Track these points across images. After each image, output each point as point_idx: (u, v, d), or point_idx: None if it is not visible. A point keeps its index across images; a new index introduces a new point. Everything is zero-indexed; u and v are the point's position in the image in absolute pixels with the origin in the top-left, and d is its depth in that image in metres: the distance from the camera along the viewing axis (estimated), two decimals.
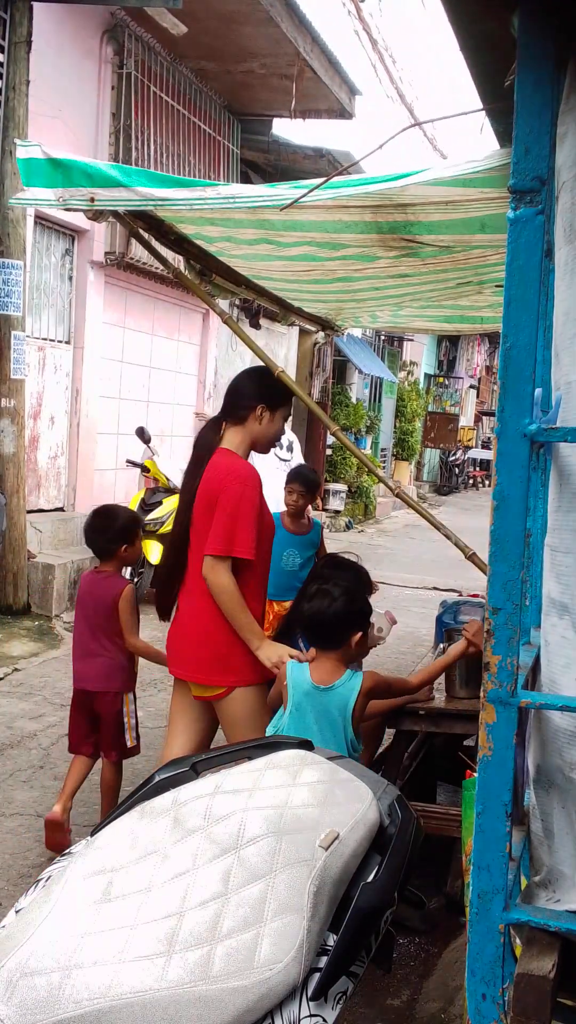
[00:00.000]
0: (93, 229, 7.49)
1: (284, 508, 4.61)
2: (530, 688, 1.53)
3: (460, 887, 2.73)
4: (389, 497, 15.69)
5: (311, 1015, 1.41)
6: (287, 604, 4.29)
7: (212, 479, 2.87)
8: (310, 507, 4.78)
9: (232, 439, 2.97)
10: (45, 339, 7.39)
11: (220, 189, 2.53)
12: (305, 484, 4.53)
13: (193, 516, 2.92)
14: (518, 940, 1.40)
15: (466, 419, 25.40)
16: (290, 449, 6.05)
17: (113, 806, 3.51)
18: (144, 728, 4.65)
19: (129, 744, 3.50)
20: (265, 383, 3.00)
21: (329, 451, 13.63)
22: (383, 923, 1.61)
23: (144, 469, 7.56)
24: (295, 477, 4.63)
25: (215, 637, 2.82)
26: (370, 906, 1.53)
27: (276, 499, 4.93)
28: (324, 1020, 1.42)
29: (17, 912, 1.62)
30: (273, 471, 5.69)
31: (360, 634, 2.65)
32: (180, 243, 3.28)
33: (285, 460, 5.83)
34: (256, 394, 2.95)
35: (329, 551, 5.19)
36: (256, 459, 4.85)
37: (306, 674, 2.61)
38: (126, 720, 3.50)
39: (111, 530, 3.53)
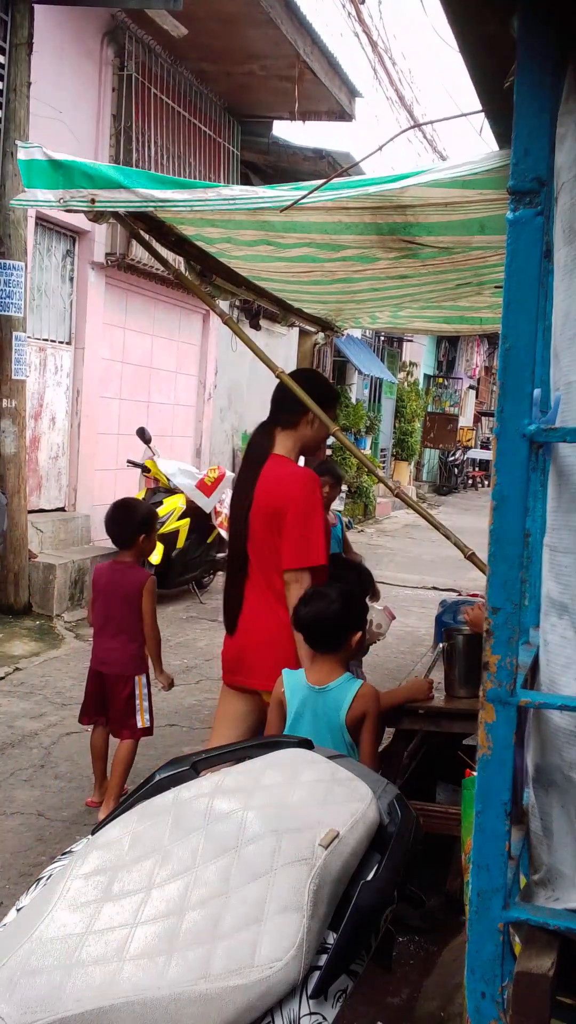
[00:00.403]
0: (94, 230, 7.50)
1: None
2: (529, 687, 1.53)
3: (460, 886, 2.74)
4: (389, 497, 15.70)
5: (311, 1013, 1.41)
6: None
7: (274, 489, 2.86)
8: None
9: (284, 444, 2.97)
10: (46, 340, 7.39)
11: (220, 190, 2.53)
12: (334, 476, 4.66)
13: (252, 525, 2.90)
14: (517, 939, 1.41)
15: (465, 419, 25.39)
16: None
17: (122, 783, 3.57)
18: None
19: (141, 725, 3.65)
20: (314, 386, 2.98)
21: (329, 451, 13.63)
22: (383, 921, 1.62)
23: (145, 469, 7.57)
24: (327, 470, 4.76)
25: (279, 642, 2.82)
26: (370, 905, 1.53)
27: None
28: (324, 1018, 1.42)
29: (18, 911, 1.62)
30: None
31: (359, 634, 2.67)
32: (180, 244, 3.29)
33: None
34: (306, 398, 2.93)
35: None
36: None
37: (302, 677, 2.63)
38: (138, 703, 3.65)
39: (132, 522, 3.68)
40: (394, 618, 3.98)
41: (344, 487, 13.76)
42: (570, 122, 1.38)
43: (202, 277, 3.70)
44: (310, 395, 2.94)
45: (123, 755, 3.62)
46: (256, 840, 1.55)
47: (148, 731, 3.67)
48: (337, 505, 13.52)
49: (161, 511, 7.17)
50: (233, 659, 3.00)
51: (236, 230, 3.00)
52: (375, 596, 3.97)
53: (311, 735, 2.49)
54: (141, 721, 3.64)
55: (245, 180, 9.82)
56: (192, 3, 6.75)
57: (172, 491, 7.40)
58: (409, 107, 10.02)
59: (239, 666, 2.97)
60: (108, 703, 3.68)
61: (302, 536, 2.79)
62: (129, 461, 7.85)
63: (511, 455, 1.30)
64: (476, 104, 1.93)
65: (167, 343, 9.33)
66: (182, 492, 7.39)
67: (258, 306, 8.82)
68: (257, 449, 2.99)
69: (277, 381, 3.09)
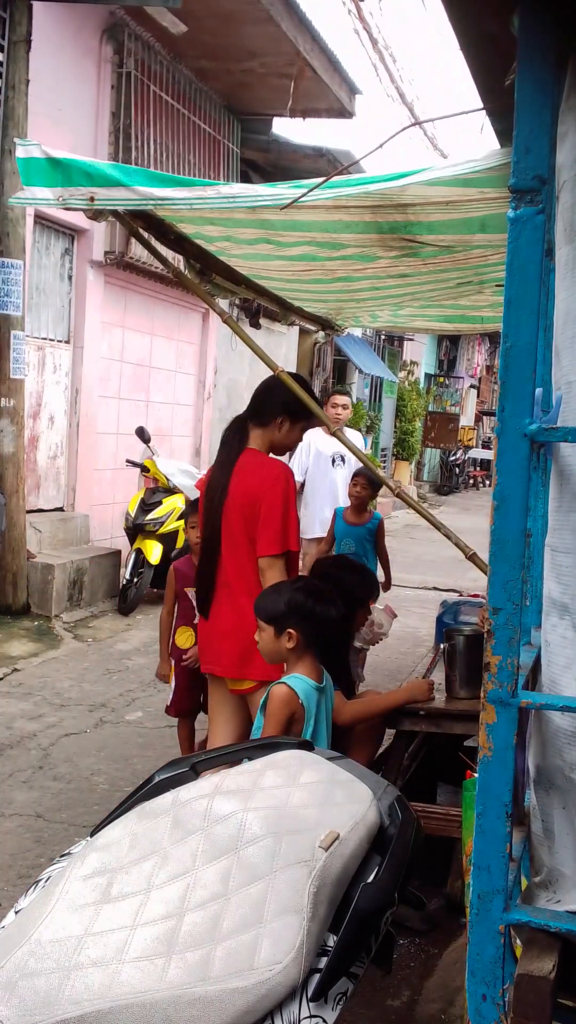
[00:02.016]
0: (93, 229, 7.49)
1: (347, 503, 5.30)
2: (530, 688, 1.53)
3: (460, 888, 2.73)
4: (389, 497, 15.68)
5: (311, 1016, 1.41)
6: None
7: (250, 480, 2.96)
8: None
9: (256, 440, 3.08)
10: (44, 339, 7.38)
11: (220, 188, 2.52)
12: (370, 479, 5.08)
13: (225, 514, 2.99)
14: (518, 941, 1.40)
15: (466, 419, 25.38)
16: (342, 459, 6.14)
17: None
18: (144, 728, 4.67)
19: None
20: (290, 395, 3.05)
21: None
22: (383, 924, 1.61)
23: (144, 469, 7.56)
24: (362, 471, 5.21)
25: (243, 631, 2.89)
26: (370, 907, 1.52)
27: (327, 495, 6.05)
28: (324, 1021, 1.42)
29: (17, 913, 1.62)
30: (327, 470, 6.20)
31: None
32: (180, 242, 3.28)
33: (340, 464, 6.09)
34: (280, 404, 3.05)
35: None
36: (312, 460, 5.97)
37: (307, 681, 2.60)
38: None
39: (191, 515, 3.78)
40: (395, 616, 3.98)
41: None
42: (571, 120, 1.37)
43: (201, 275, 3.69)
44: (284, 404, 3.05)
45: None
46: (256, 842, 1.54)
47: None
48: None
49: (160, 511, 7.17)
50: (203, 646, 3.11)
51: (236, 228, 3.00)
52: (375, 593, 3.98)
53: (324, 734, 2.61)
54: None
55: (245, 178, 9.80)
56: (191, 0, 6.74)
57: (171, 491, 7.40)
58: (410, 105, 10.02)
59: (209, 655, 3.07)
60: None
61: (280, 525, 2.90)
62: (128, 461, 7.84)
63: (512, 455, 1.30)
64: (477, 102, 1.92)
65: (166, 342, 9.32)
66: (181, 492, 7.38)
67: (258, 305, 8.81)
68: (231, 443, 3.08)
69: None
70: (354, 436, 6.38)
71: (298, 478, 6.02)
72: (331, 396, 6.32)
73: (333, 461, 6.18)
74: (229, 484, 2.99)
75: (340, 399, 6.24)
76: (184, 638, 3.80)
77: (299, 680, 2.58)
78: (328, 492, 6.12)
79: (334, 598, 2.69)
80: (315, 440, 6.13)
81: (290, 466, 5.33)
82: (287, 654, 2.64)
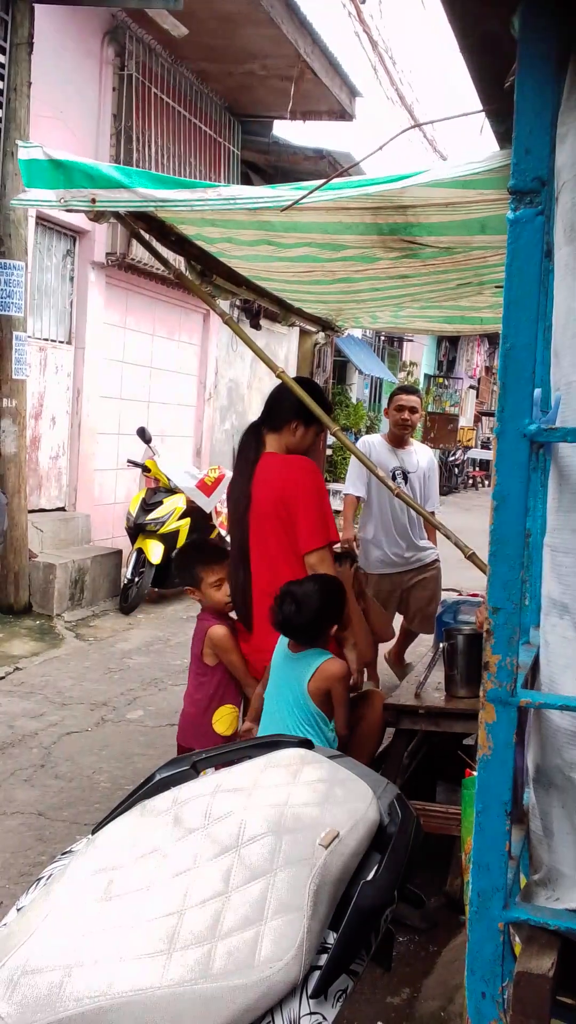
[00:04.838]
0: (94, 230, 7.50)
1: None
2: (530, 687, 1.53)
3: (460, 886, 2.74)
4: None
5: (311, 1013, 1.41)
6: None
7: (274, 480, 2.94)
8: None
9: (272, 445, 3.06)
10: (46, 339, 7.39)
11: (221, 190, 2.53)
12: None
13: (253, 523, 2.95)
14: (518, 939, 1.41)
15: (466, 419, 25.38)
16: (404, 477, 4.96)
17: None
18: (144, 727, 4.67)
19: None
20: (307, 395, 3.03)
21: (329, 451, 13.63)
22: (383, 921, 1.62)
23: (145, 469, 7.57)
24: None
25: None
26: (370, 905, 1.53)
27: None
28: (324, 1018, 1.42)
29: (18, 910, 1.62)
30: (383, 488, 5.16)
31: (335, 627, 2.86)
32: (181, 244, 3.28)
33: (400, 483, 4.90)
34: (292, 409, 3.04)
35: None
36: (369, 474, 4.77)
37: (285, 642, 2.82)
38: None
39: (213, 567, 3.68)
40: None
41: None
42: (571, 121, 1.37)
43: (202, 277, 3.69)
44: (296, 408, 3.03)
45: None
46: (256, 840, 1.55)
47: None
48: (337, 505, 13.52)
49: (161, 511, 7.18)
50: (251, 659, 3.07)
51: (236, 230, 3.00)
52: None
53: (280, 696, 2.75)
54: None
55: (245, 180, 9.81)
56: (193, 3, 6.74)
57: (172, 491, 7.41)
58: (410, 107, 10.01)
59: (257, 665, 3.03)
60: None
61: (318, 518, 2.88)
62: (129, 461, 7.85)
63: (512, 455, 1.30)
64: (477, 104, 1.92)
65: (167, 343, 9.32)
66: (182, 492, 7.39)
67: (258, 306, 8.81)
68: (248, 449, 3.05)
69: (278, 381, 3.13)
70: (423, 452, 5.17)
71: (355, 492, 5.10)
72: (395, 396, 5.09)
73: (393, 478, 4.89)
74: (252, 491, 2.95)
75: (407, 399, 4.97)
76: (225, 724, 3.14)
77: (283, 638, 2.83)
78: (378, 511, 4.97)
79: (300, 596, 2.74)
80: (375, 449, 5.02)
81: (348, 479, 5.17)
82: None
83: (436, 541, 5.13)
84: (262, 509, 2.91)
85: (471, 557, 3.00)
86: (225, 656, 3.09)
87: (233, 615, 3.12)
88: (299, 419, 3.03)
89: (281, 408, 3.06)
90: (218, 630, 3.06)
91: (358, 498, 5.07)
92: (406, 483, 4.93)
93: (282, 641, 2.84)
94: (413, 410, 4.97)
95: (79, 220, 7.06)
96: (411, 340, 19.27)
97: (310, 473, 2.92)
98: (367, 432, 15.37)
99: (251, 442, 3.07)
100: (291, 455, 3.02)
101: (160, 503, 7.25)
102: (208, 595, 3.14)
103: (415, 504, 3.21)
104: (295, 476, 2.89)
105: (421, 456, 5.13)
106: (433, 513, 4.84)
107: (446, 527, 3.05)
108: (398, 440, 5.07)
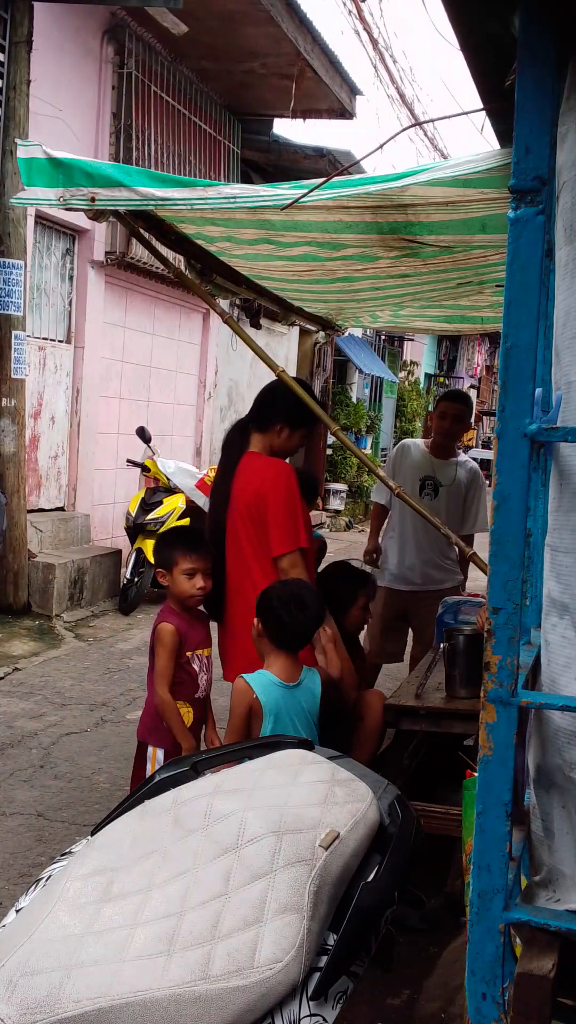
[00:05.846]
0: (94, 229, 7.49)
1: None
2: (530, 688, 1.53)
3: (460, 887, 2.73)
4: None
5: (311, 1014, 1.41)
6: None
7: (252, 481, 2.94)
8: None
9: (257, 444, 3.06)
10: (45, 339, 7.39)
11: (221, 189, 2.53)
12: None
13: (229, 519, 2.97)
14: (518, 940, 1.40)
15: None
16: (435, 489, 4.50)
17: None
18: None
19: None
20: (290, 402, 3.04)
21: (329, 451, 13.63)
22: (383, 922, 1.61)
23: (144, 469, 7.57)
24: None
25: (248, 635, 2.85)
26: (370, 906, 1.53)
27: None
28: (324, 1019, 1.42)
29: (18, 911, 1.62)
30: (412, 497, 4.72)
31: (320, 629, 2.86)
32: (181, 243, 3.28)
33: (429, 495, 4.48)
34: (280, 411, 3.04)
35: (331, 553, 5.18)
36: (400, 480, 4.28)
37: (270, 677, 2.65)
38: None
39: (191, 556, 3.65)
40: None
41: (344, 487, 13.77)
42: (571, 121, 1.37)
43: (202, 276, 3.69)
44: (283, 411, 3.02)
45: None
46: (256, 841, 1.54)
47: None
48: (337, 505, 13.54)
49: (161, 511, 7.18)
50: (224, 654, 3.09)
51: (236, 229, 3.00)
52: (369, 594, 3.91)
53: (291, 732, 2.59)
54: None
55: (245, 178, 9.80)
56: (192, 1, 6.73)
57: (172, 491, 7.40)
58: (410, 105, 10.02)
59: (232, 664, 3.04)
60: None
61: (289, 522, 2.88)
62: (129, 460, 7.85)
63: (512, 455, 1.30)
64: (477, 102, 1.92)
65: (167, 342, 9.32)
66: (182, 492, 7.39)
67: (258, 305, 8.80)
68: (233, 447, 3.07)
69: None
70: (467, 467, 4.63)
71: (375, 498, 4.88)
72: (439, 402, 4.69)
73: (422, 487, 4.48)
74: (231, 489, 2.97)
75: (450, 407, 4.51)
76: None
77: (261, 676, 2.65)
78: (398, 520, 4.52)
79: (311, 604, 2.66)
80: (410, 454, 4.60)
81: (376, 485, 4.85)
82: (260, 648, 2.73)
83: (467, 571, 4.63)
84: (239, 506, 2.93)
85: (471, 557, 3.00)
86: (158, 653, 2.91)
87: (201, 608, 3.05)
88: (284, 422, 3.03)
89: (268, 409, 3.06)
90: (165, 627, 2.91)
91: (383, 507, 4.73)
92: (435, 495, 4.46)
93: (263, 679, 2.63)
94: (457, 419, 4.49)
95: (79, 219, 7.05)
96: (411, 339, 19.27)
97: (284, 477, 2.92)
98: (367, 432, 15.37)
99: (236, 440, 3.08)
100: (272, 458, 3.03)
101: (160, 503, 7.25)
102: (176, 581, 2.94)
103: (423, 511, 3.16)
104: (270, 477, 2.91)
105: (464, 471, 4.58)
106: (471, 537, 4.37)
107: (446, 527, 3.05)
108: (440, 449, 4.55)
